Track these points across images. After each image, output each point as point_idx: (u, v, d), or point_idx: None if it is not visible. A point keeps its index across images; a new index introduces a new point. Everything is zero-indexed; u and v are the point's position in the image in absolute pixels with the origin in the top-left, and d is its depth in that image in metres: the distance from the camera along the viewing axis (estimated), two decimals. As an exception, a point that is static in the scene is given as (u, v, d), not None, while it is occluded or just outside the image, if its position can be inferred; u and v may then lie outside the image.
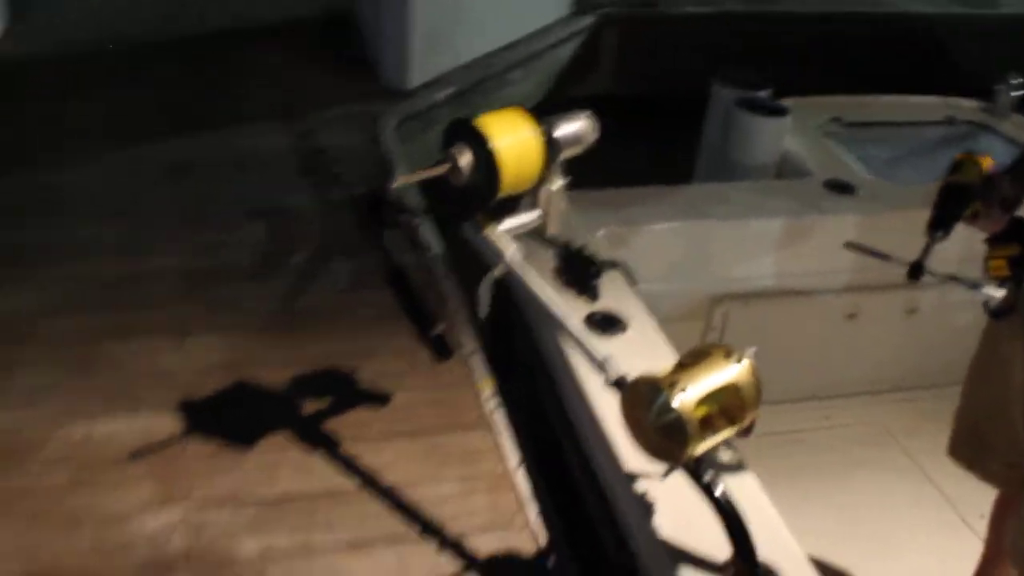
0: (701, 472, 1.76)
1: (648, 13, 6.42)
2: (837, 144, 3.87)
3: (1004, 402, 2.26)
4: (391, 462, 2.44)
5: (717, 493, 1.76)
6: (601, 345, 2.44)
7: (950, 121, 4.25)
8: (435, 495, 2.36)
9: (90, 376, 2.68)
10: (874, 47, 6.38)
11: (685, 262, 3.23)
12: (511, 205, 2.08)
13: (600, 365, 1.86)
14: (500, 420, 2.62)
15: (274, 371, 2.72)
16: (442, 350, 2.88)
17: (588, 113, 2.04)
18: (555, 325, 1.98)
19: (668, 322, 3.26)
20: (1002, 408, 2.27)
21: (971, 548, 2.78)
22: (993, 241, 2.16)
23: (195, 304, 3.02)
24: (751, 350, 1.79)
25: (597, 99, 6.66)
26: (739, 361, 1.75)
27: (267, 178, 3.88)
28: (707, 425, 1.75)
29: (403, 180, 1.98)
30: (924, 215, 2.24)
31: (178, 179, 3.81)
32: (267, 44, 5.20)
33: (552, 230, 2.16)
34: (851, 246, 2.38)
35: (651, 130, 5.21)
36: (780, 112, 3.74)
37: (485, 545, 2.23)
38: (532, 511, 2.33)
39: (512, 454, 2.50)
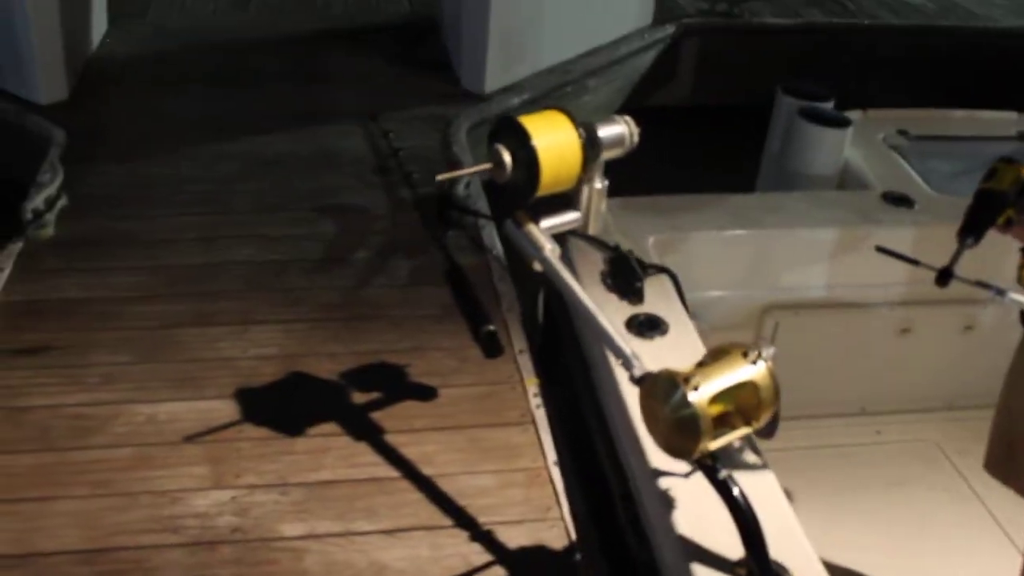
0: (716, 469, 1.82)
1: (729, 23, 6.43)
2: (901, 157, 3.83)
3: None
4: (433, 454, 2.55)
5: (733, 492, 1.81)
6: (637, 346, 2.54)
7: (1022, 137, 4.17)
8: (473, 487, 2.46)
9: (160, 360, 2.85)
10: (960, 61, 6.28)
11: (735, 270, 3.26)
12: (552, 205, 2.18)
13: (627, 361, 1.92)
14: (542, 418, 2.69)
15: (328, 362, 2.86)
16: (492, 348, 2.99)
17: (627, 118, 2.11)
18: (589, 321, 2.05)
19: (718, 330, 3.31)
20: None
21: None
22: None
23: (262, 295, 3.18)
24: (769, 350, 1.84)
25: (676, 109, 6.73)
26: (756, 361, 1.80)
27: (345, 176, 4.03)
28: (723, 422, 1.81)
29: (448, 176, 2.07)
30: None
31: (263, 174, 4.00)
32: (357, 48, 5.40)
33: (593, 230, 2.23)
34: (881, 250, 2.39)
35: (727, 140, 5.24)
36: (842, 123, 3.74)
37: (517, 537, 2.31)
38: (565, 507, 2.40)
39: (550, 451, 2.58)
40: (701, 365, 1.84)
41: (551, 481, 2.49)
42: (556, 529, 2.34)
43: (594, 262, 2.88)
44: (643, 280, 2.73)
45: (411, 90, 4.90)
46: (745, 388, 1.80)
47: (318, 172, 4.03)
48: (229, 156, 4.09)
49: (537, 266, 2.12)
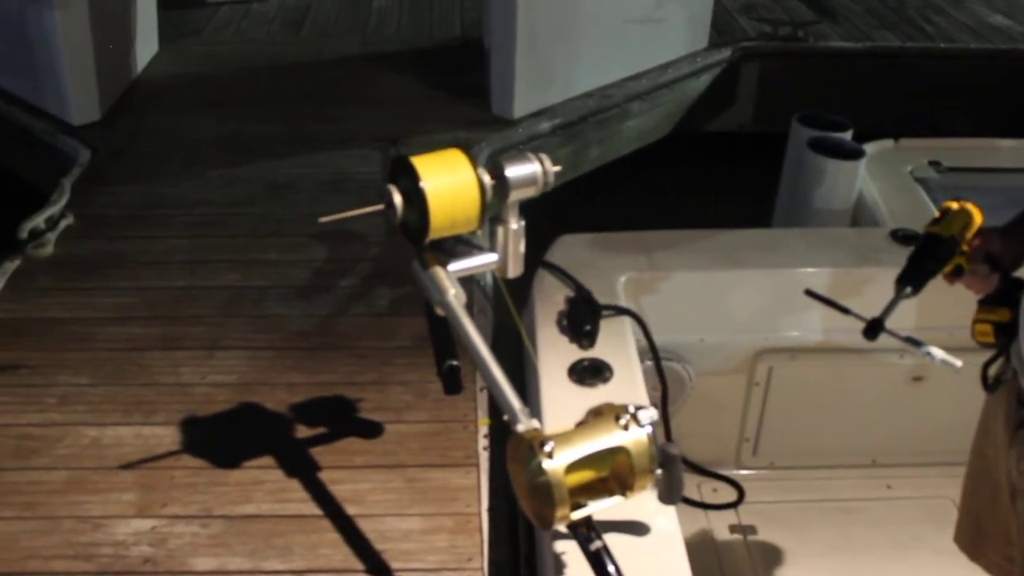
0: (588, 538, 1.69)
1: (792, 48, 6.20)
2: (926, 190, 3.59)
3: (996, 487, 2.05)
4: (365, 493, 2.48)
5: (607, 567, 1.67)
6: (575, 394, 2.44)
7: (1061, 168, 3.86)
8: (397, 530, 2.37)
9: (119, 383, 2.86)
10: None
11: (723, 312, 3.09)
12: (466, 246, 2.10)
13: (512, 415, 1.82)
14: (485, 461, 2.60)
15: (284, 392, 2.82)
16: (452, 384, 2.88)
17: (542, 155, 2.02)
18: (483, 369, 1.96)
19: (708, 375, 3.17)
20: (994, 494, 2.06)
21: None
22: (983, 303, 1.96)
23: (236, 320, 3.17)
24: (648, 412, 1.71)
25: (735, 135, 6.53)
26: (628, 426, 1.67)
27: (350, 201, 3.89)
28: (596, 489, 1.69)
29: (331, 218, 2.01)
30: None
31: (271, 198, 4.01)
32: (399, 72, 5.41)
33: (512, 272, 2.15)
34: (810, 293, 2.21)
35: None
36: (855, 154, 3.52)
37: (431, 586, 2.22)
38: (487, 557, 2.30)
39: (486, 497, 2.48)
40: (579, 425, 1.73)
41: (480, 529, 2.39)
42: (474, 580, 2.25)
43: (556, 301, 2.79)
44: (596, 323, 2.61)
45: (440, 115, 4.86)
46: (618, 454, 1.67)
47: (325, 197, 4.02)
48: (241, 179, 4.12)
49: (439, 310, 2.05)
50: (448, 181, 1.93)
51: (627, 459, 1.67)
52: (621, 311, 2.73)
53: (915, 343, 1.89)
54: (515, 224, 2.06)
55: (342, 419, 2.74)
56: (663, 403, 2.91)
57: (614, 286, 2.89)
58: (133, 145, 4.44)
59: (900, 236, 3.23)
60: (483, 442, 2.66)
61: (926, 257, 1.97)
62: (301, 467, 2.54)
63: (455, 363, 2.95)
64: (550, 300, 2.79)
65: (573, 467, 1.62)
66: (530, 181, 1.99)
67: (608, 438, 1.66)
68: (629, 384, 2.46)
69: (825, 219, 3.51)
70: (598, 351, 2.59)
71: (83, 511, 2.40)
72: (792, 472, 3.42)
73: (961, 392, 3.28)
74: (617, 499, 1.70)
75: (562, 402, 2.40)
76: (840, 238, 3.37)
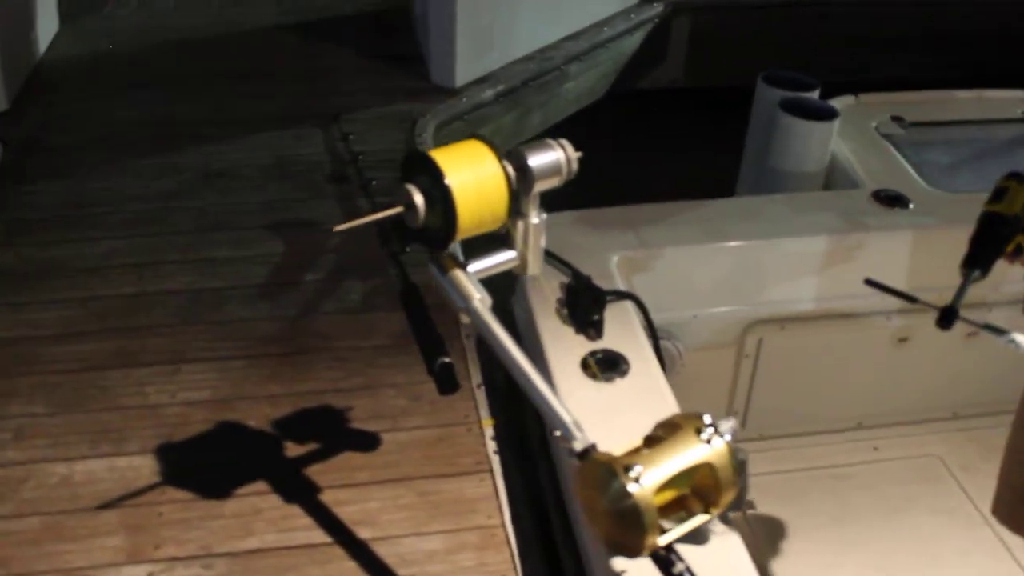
0: (671, 562, 1.56)
1: (721, 1, 6.11)
2: (894, 147, 3.54)
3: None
4: (376, 512, 2.30)
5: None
6: (593, 390, 2.30)
7: (1027, 118, 3.87)
8: (420, 551, 2.21)
9: (79, 409, 2.60)
10: (977, 37, 5.96)
11: (712, 286, 2.99)
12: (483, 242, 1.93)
13: (567, 432, 1.67)
14: (498, 466, 2.45)
15: (265, 406, 2.61)
16: (447, 383, 2.71)
17: (563, 141, 1.85)
18: (526, 386, 1.80)
19: (697, 351, 3.07)
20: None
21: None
22: None
23: (198, 328, 2.92)
24: (728, 423, 1.59)
25: (667, 92, 6.42)
26: (711, 439, 1.54)
27: (298, 186, 3.76)
28: (675, 509, 1.56)
29: (346, 226, 1.80)
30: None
31: (209, 189, 3.72)
32: (322, 42, 5.09)
33: (532, 270, 1.98)
34: (871, 283, 2.11)
35: (720, 121, 4.97)
36: (828, 115, 3.44)
37: (468, 611, 2.08)
38: (520, 573, 2.16)
39: (507, 505, 2.33)
40: (649, 441, 1.59)
41: (508, 542, 2.24)
42: (513, 599, 2.11)
43: (552, 288, 2.63)
44: (602, 312, 2.47)
45: (378, 87, 4.59)
46: (700, 470, 1.54)
47: (269, 183, 3.75)
48: (173, 168, 3.80)
49: (464, 318, 1.87)
50: (473, 176, 1.75)
51: (711, 474, 1.55)
52: (623, 296, 2.60)
53: (996, 331, 1.81)
54: (536, 218, 1.90)
55: (335, 431, 2.55)
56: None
57: (608, 268, 2.75)
58: (47, 136, 4.05)
59: (883, 197, 3.18)
60: (492, 445, 2.50)
61: (990, 238, 1.88)
62: (300, 490, 2.34)
63: (447, 360, 2.77)
64: (544, 288, 2.61)
65: (660, 488, 1.49)
66: (554, 170, 1.83)
67: (692, 453, 1.54)
68: (649, 377, 2.34)
69: (799, 182, 3.42)
70: (607, 341, 2.44)
71: (65, 562, 2.16)
72: (780, 442, 3.37)
73: (944, 351, 3.30)
74: (703, 518, 1.57)
75: (581, 400, 2.26)
76: (823, 202, 3.29)
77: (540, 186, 1.83)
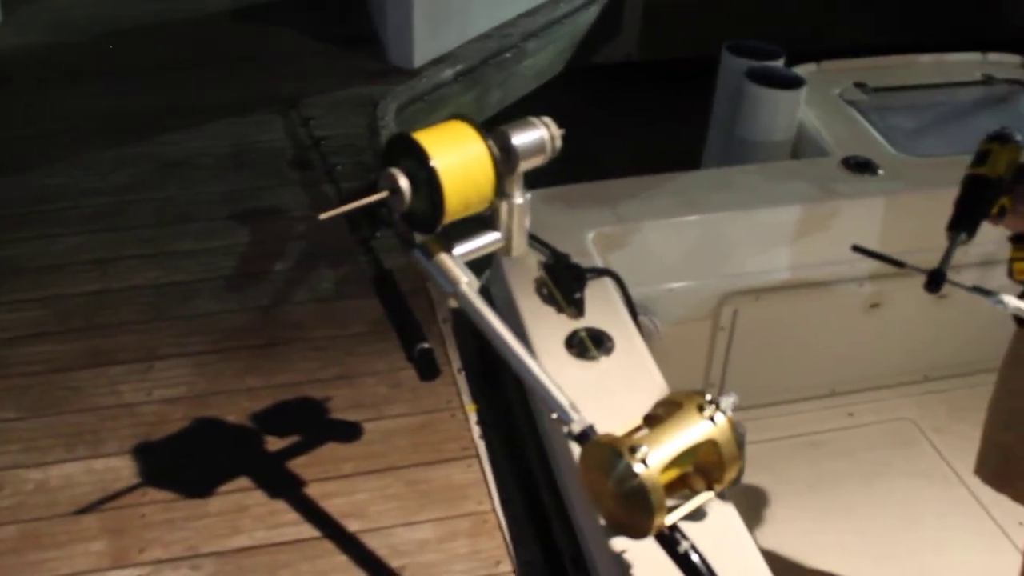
0: (676, 540, 1.55)
1: None
2: (859, 114, 3.56)
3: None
4: (364, 504, 2.27)
5: (697, 567, 1.55)
6: (579, 369, 2.28)
7: (987, 80, 3.91)
8: (411, 541, 2.18)
9: (51, 412, 2.52)
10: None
11: (687, 259, 2.98)
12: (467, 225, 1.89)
13: (564, 415, 1.64)
14: (484, 451, 2.42)
15: (244, 399, 2.55)
16: (427, 369, 2.67)
17: (546, 119, 1.82)
18: (520, 369, 1.77)
19: (674, 324, 3.06)
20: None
21: (1010, 560, 2.55)
22: (1018, 240, 1.91)
23: (167, 324, 2.85)
24: (730, 399, 1.57)
25: (623, 66, 6.40)
26: (714, 416, 1.53)
27: (261, 174, 3.68)
28: (678, 487, 1.55)
29: (331, 213, 1.75)
30: (951, 194, 1.97)
31: (168, 179, 3.63)
32: (274, 26, 5.00)
33: (516, 251, 1.95)
34: (858, 249, 2.12)
35: (678, 93, 4.96)
36: (794, 83, 3.44)
37: (464, 599, 2.05)
38: (517, 559, 2.14)
39: (496, 490, 2.31)
40: (651, 420, 1.57)
41: (500, 527, 2.22)
42: (508, 585, 2.09)
43: (529, 267, 2.60)
44: (583, 290, 2.45)
45: (334, 70, 4.52)
46: (703, 447, 1.53)
47: (229, 172, 3.67)
48: (130, 160, 3.70)
49: (453, 302, 1.84)
50: (458, 157, 1.71)
51: (714, 450, 1.54)
52: (602, 273, 2.58)
53: (984, 292, 1.81)
54: (520, 198, 1.86)
55: (317, 423, 2.51)
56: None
57: (584, 244, 2.73)
58: (-2, 130, 3.93)
59: (852, 164, 3.20)
60: (477, 430, 2.48)
61: (975, 201, 1.88)
62: (286, 484, 2.30)
63: (426, 345, 2.74)
64: (522, 267, 2.60)
65: (665, 468, 1.48)
66: (538, 148, 1.80)
67: (695, 431, 1.52)
68: (634, 355, 2.32)
69: (768, 152, 3.43)
70: (589, 319, 2.43)
71: (48, 570, 2.10)
72: (757, 411, 3.37)
73: (915, 315, 3.34)
74: (707, 495, 1.56)
75: (568, 380, 2.22)
76: (794, 170, 3.30)
77: (525, 165, 1.80)
